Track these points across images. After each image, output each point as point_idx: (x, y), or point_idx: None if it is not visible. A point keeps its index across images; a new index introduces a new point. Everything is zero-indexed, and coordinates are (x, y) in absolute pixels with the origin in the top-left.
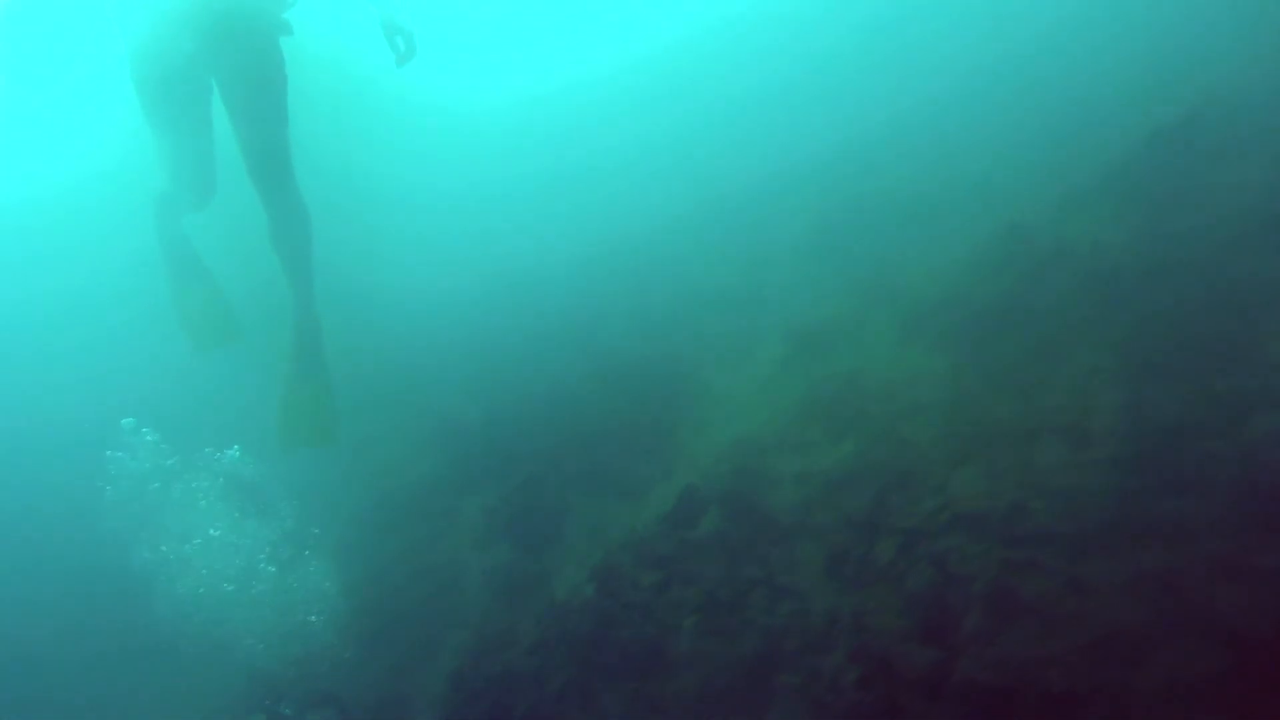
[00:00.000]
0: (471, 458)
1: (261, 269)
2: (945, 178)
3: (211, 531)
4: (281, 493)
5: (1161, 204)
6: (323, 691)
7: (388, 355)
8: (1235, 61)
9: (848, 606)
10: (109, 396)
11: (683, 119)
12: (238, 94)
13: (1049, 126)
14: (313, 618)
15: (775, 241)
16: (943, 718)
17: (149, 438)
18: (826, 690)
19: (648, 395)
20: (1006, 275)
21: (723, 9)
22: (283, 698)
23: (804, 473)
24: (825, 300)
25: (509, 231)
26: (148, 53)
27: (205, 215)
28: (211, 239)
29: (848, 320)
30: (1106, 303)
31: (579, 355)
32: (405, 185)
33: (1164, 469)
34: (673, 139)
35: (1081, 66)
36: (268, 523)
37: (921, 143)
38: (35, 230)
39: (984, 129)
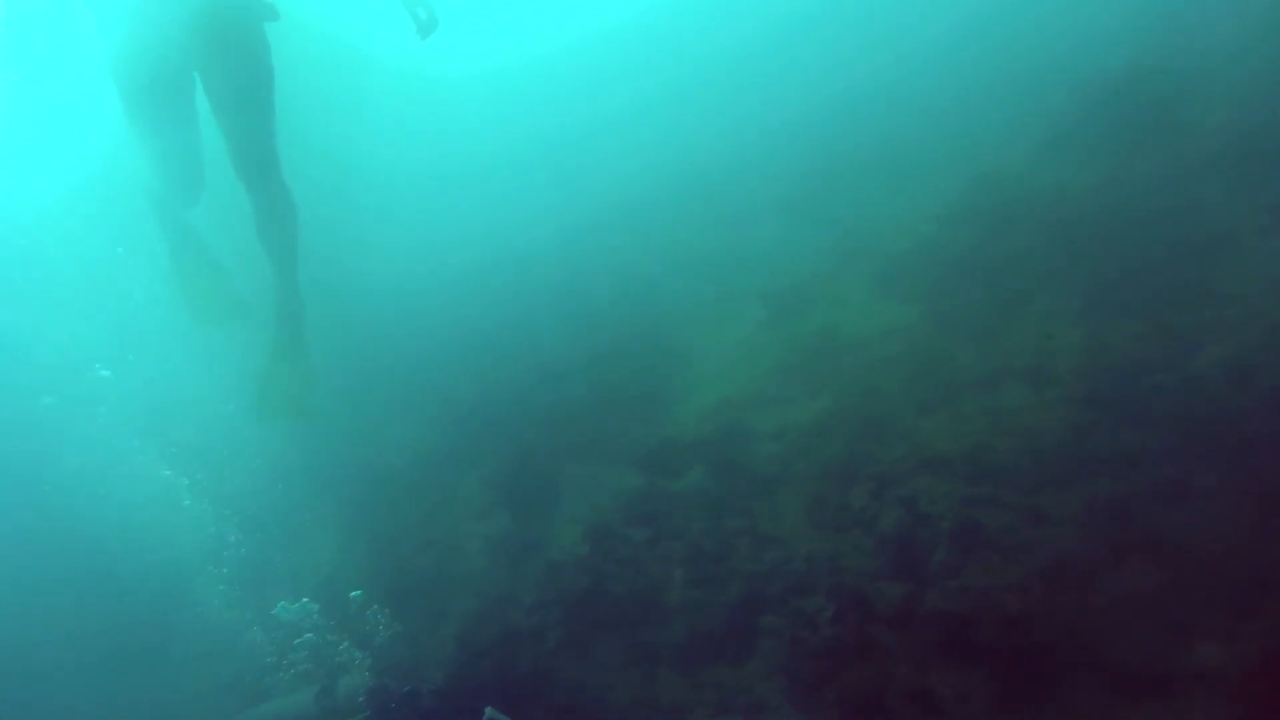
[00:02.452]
0: (469, 433)
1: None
2: (919, 132)
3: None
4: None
5: (1123, 149)
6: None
7: (384, 339)
8: (1188, 11)
9: (826, 550)
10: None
11: (661, 85)
12: (222, 85)
13: (1017, 78)
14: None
15: (756, 203)
16: (912, 646)
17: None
18: (804, 628)
19: (634, 362)
20: (975, 226)
21: None
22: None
23: (783, 427)
24: (803, 260)
25: (492, 207)
26: (127, 48)
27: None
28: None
29: (825, 278)
30: (1070, 247)
31: (567, 326)
32: (385, 162)
33: (1118, 403)
34: (652, 105)
35: (1044, 19)
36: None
37: (897, 99)
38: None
39: (955, 84)
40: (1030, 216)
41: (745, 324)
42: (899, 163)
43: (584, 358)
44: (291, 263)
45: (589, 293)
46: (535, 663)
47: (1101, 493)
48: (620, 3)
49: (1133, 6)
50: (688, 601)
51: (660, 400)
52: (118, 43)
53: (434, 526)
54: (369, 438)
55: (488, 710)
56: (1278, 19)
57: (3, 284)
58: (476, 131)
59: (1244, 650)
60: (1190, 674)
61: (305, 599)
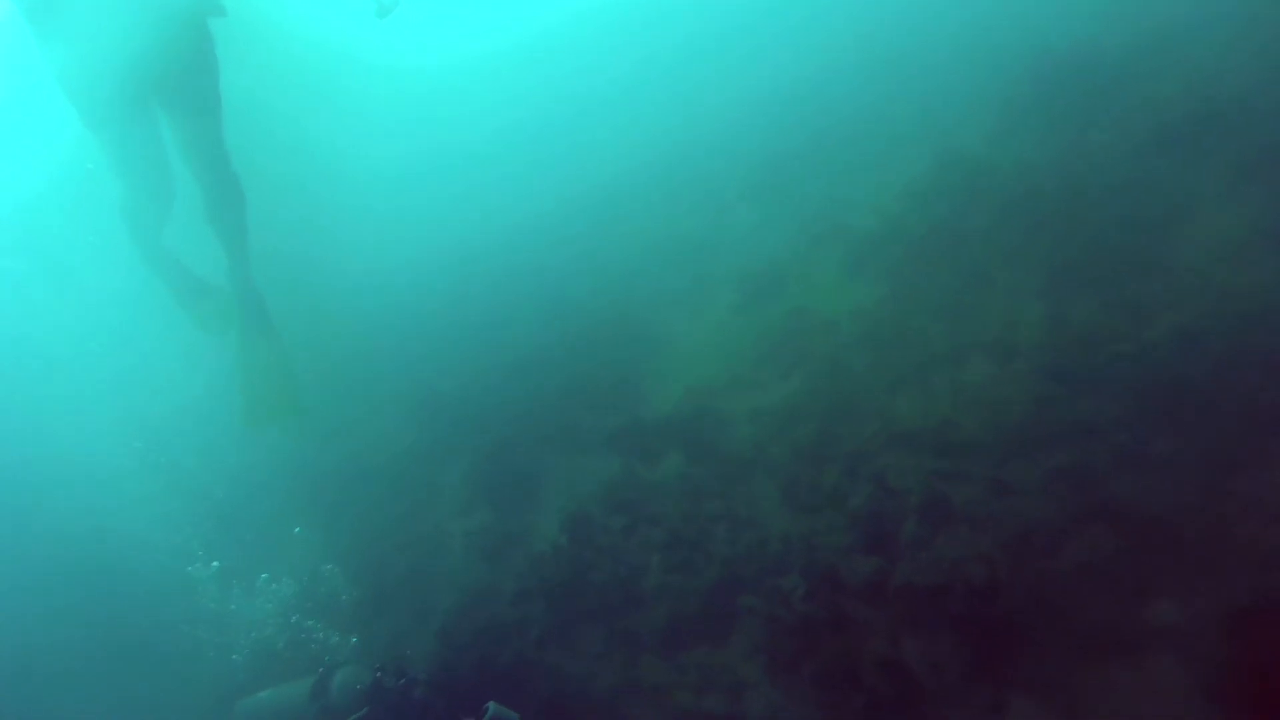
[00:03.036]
0: (448, 428)
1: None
2: (884, 111)
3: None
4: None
5: (1078, 124)
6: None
7: (359, 335)
8: None
9: (801, 530)
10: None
11: (629, 72)
12: (169, 81)
13: (976, 53)
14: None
15: (728, 186)
16: (885, 618)
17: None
18: (780, 607)
19: (609, 350)
20: (940, 203)
21: None
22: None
23: (756, 410)
24: (775, 243)
25: (465, 200)
26: (75, 56)
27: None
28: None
29: (796, 260)
30: (1031, 223)
31: (543, 316)
32: (353, 156)
33: (1077, 374)
34: (622, 93)
35: None
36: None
37: (861, 78)
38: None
39: (917, 61)
40: (992, 193)
41: (718, 308)
42: (865, 143)
43: (560, 347)
44: (242, 247)
45: (564, 282)
46: (519, 653)
47: (1062, 462)
48: None
49: None
50: (667, 586)
51: (636, 387)
52: (65, 48)
53: (415, 523)
54: (347, 434)
55: (490, 705)
56: None
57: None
58: (447, 124)
59: (1197, 607)
60: (1148, 632)
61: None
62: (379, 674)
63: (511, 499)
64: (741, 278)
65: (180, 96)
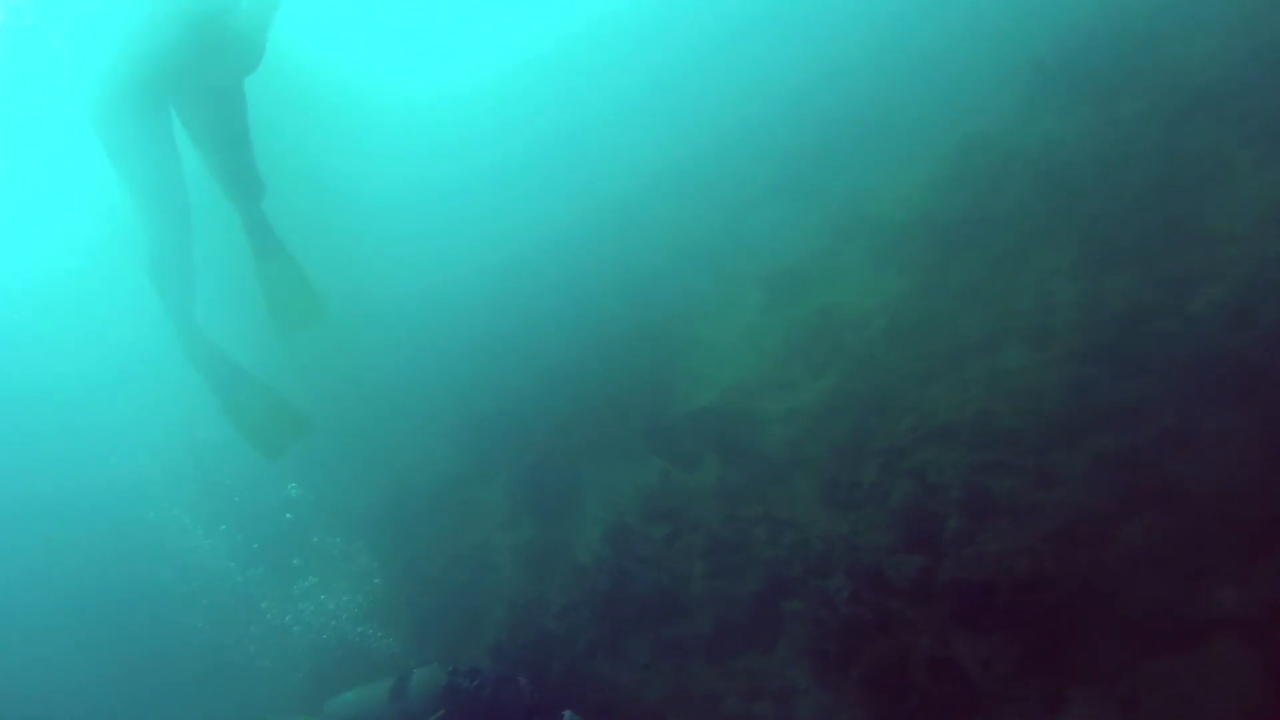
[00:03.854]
0: (488, 444)
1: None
2: (905, 98)
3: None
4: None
5: (1106, 93)
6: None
7: (395, 362)
8: None
9: (842, 529)
10: None
11: (645, 77)
12: (199, 117)
13: (996, 30)
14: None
15: (752, 184)
16: (932, 617)
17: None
18: (825, 609)
19: (641, 356)
20: (967, 188)
21: None
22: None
23: (791, 410)
24: (801, 239)
25: (488, 218)
26: (105, 91)
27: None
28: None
29: (822, 256)
30: (1062, 200)
31: (574, 327)
32: (380, 184)
33: (1118, 354)
34: (639, 98)
35: None
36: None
37: (880, 67)
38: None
39: (936, 44)
40: (1020, 172)
41: (747, 308)
42: (887, 132)
43: (593, 357)
44: (255, 190)
45: (593, 291)
46: (569, 665)
47: (1107, 446)
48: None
49: None
50: (711, 593)
51: (669, 393)
52: (94, 83)
53: (460, 540)
54: (391, 458)
55: (566, 714)
56: None
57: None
58: (465, 146)
59: (1260, 591)
60: (1209, 620)
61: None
62: (454, 675)
63: (553, 511)
64: (768, 276)
65: (210, 128)
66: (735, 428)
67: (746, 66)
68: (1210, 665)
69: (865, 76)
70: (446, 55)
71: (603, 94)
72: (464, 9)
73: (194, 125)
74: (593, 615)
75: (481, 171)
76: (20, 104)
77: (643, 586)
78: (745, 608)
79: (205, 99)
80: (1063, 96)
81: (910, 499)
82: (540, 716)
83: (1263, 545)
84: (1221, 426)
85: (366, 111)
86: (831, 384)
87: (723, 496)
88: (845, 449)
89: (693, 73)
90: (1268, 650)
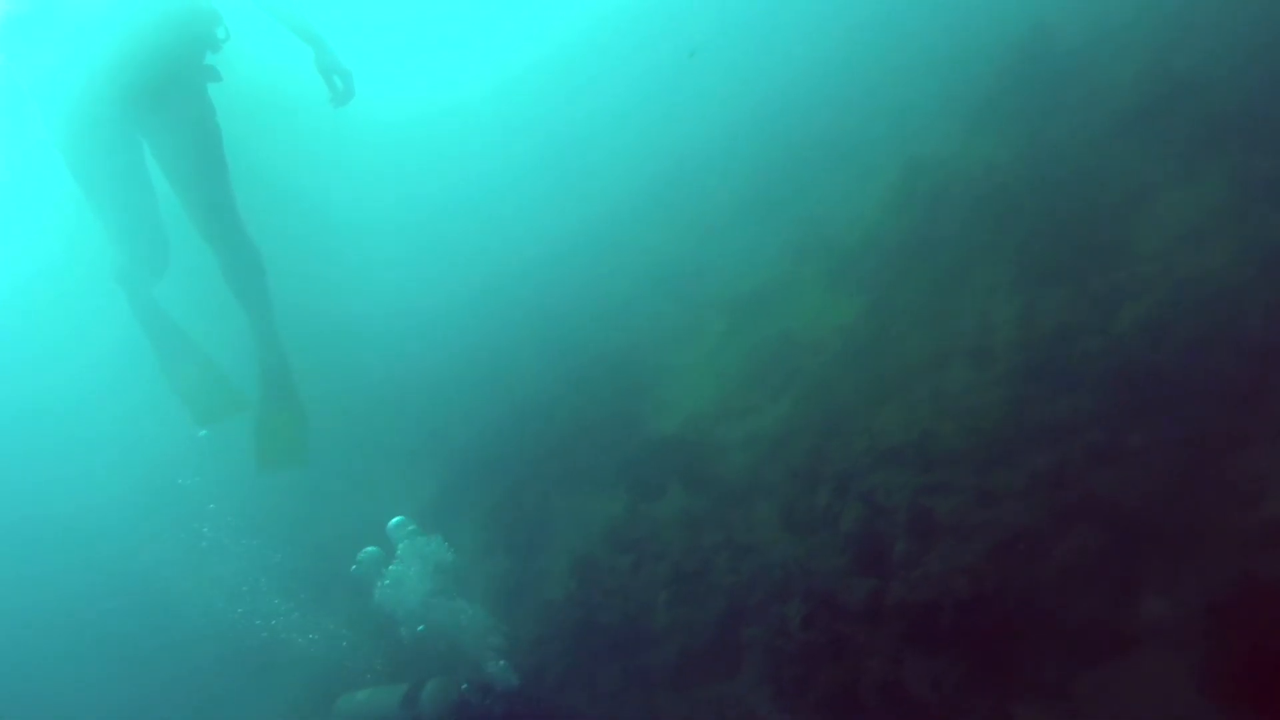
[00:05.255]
0: (462, 478)
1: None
2: (862, 121)
3: None
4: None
5: (1038, 117)
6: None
7: (366, 393)
8: None
9: (798, 554)
10: None
11: (608, 103)
12: (170, 152)
13: (939, 55)
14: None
15: (716, 210)
16: (882, 639)
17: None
18: (778, 635)
19: (610, 386)
20: (911, 211)
21: None
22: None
23: (750, 435)
24: (760, 263)
25: (457, 247)
26: (72, 122)
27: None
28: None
29: (781, 280)
30: (1000, 221)
31: (545, 357)
32: (350, 209)
33: (1050, 372)
34: (606, 125)
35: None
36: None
37: (837, 90)
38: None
39: (886, 68)
40: (961, 195)
41: (710, 335)
42: (843, 156)
43: (564, 386)
44: (266, 311)
45: (565, 319)
46: (537, 697)
47: (1041, 464)
48: (559, 28)
49: None
50: (675, 622)
51: (636, 423)
52: (61, 114)
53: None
54: (365, 492)
55: None
56: None
57: None
58: (434, 174)
59: (1185, 598)
60: (1140, 628)
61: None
62: (466, 691)
63: (526, 544)
64: (729, 303)
65: (182, 161)
66: (697, 455)
67: (713, 91)
68: (1143, 673)
69: (824, 101)
70: (416, 78)
71: (566, 123)
72: (432, 36)
73: (167, 162)
74: (562, 648)
75: (451, 201)
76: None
77: (608, 618)
78: (708, 635)
79: (176, 130)
80: (1001, 121)
81: (860, 522)
82: None
83: (1184, 555)
84: (1144, 441)
85: (336, 133)
86: (788, 408)
87: (686, 524)
88: (802, 473)
89: (660, 99)
90: (1194, 654)
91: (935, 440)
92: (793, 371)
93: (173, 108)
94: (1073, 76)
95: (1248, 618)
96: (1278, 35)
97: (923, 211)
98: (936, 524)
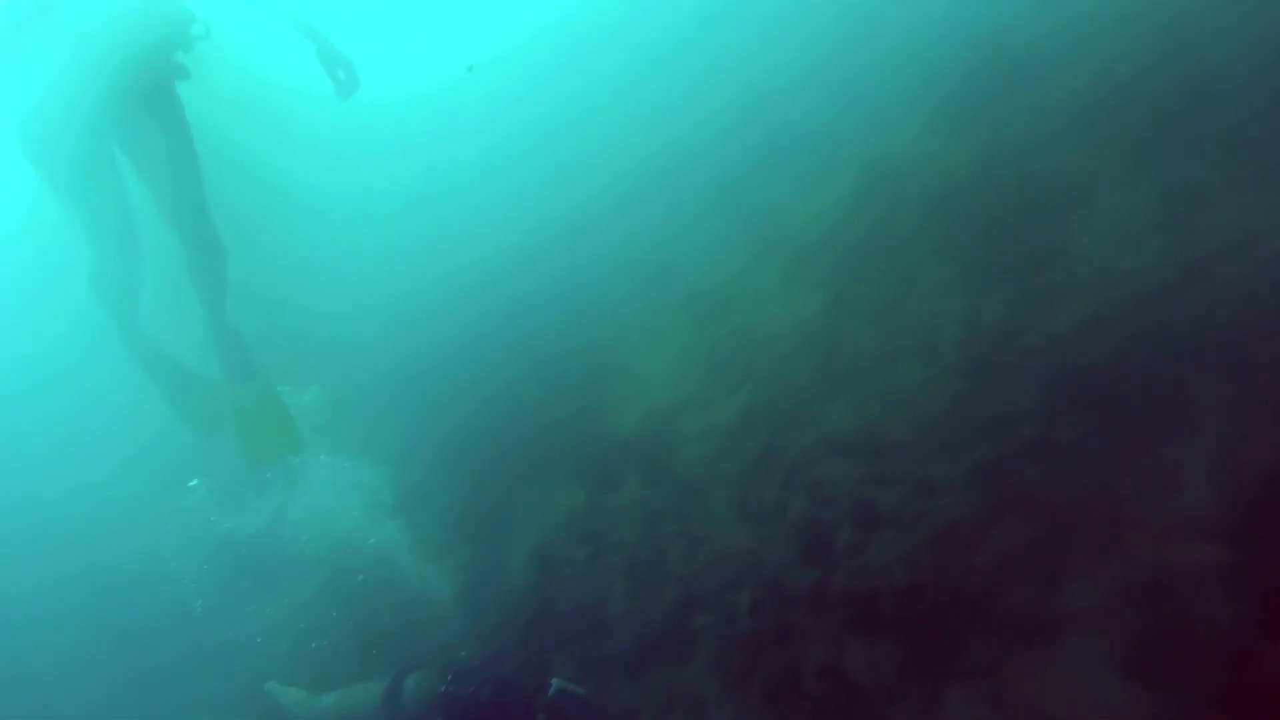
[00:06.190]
0: (429, 470)
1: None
2: (828, 120)
3: None
4: None
5: (995, 119)
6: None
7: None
8: None
9: (750, 544)
10: None
11: (581, 95)
12: (140, 149)
13: (905, 54)
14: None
15: (686, 205)
16: (825, 626)
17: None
18: (726, 623)
19: (575, 380)
20: (871, 208)
21: None
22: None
23: (708, 428)
24: (725, 259)
25: (430, 237)
26: (37, 122)
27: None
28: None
29: (744, 276)
30: (953, 221)
31: (515, 349)
32: (322, 198)
33: (991, 368)
34: (579, 118)
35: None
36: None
37: (812, 88)
38: None
39: (852, 68)
40: (918, 194)
41: (673, 330)
42: (809, 153)
43: (529, 380)
44: (220, 298)
45: (534, 313)
46: (495, 684)
47: (979, 458)
48: (528, 19)
49: None
50: (630, 611)
51: (600, 416)
52: (26, 113)
53: (397, 573)
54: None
55: (555, 681)
56: None
57: None
58: (404, 162)
59: (1104, 587)
60: (1064, 615)
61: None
62: (450, 684)
63: (490, 536)
64: (693, 298)
65: (152, 160)
66: (657, 448)
67: (687, 85)
68: (1066, 657)
69: (793, 99)
70: (389, 64)
71: (540, 116)
72: (402, 25)
73: (141, 168)
74: (520, 637)
75: (421, 190)
76: None
77: (565, 607)
78: (661, 624)
79: (145, 127)
80: (958, 123)
81: (807, 513)
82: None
83: (1107, 544)
84: (1072, 437)
85: (311, 119)
86: (744, 401)
87: (643, 516)
88: (755, 465)
89: (632, 93)
90: (1112, 639)
91: (881, 434)
92: (751, 366)
93: (142, 106)
94: (1029, 80)
95: (1162, 603)
96: (1214, 50)
97: (880, 211)
98: (879, 515)
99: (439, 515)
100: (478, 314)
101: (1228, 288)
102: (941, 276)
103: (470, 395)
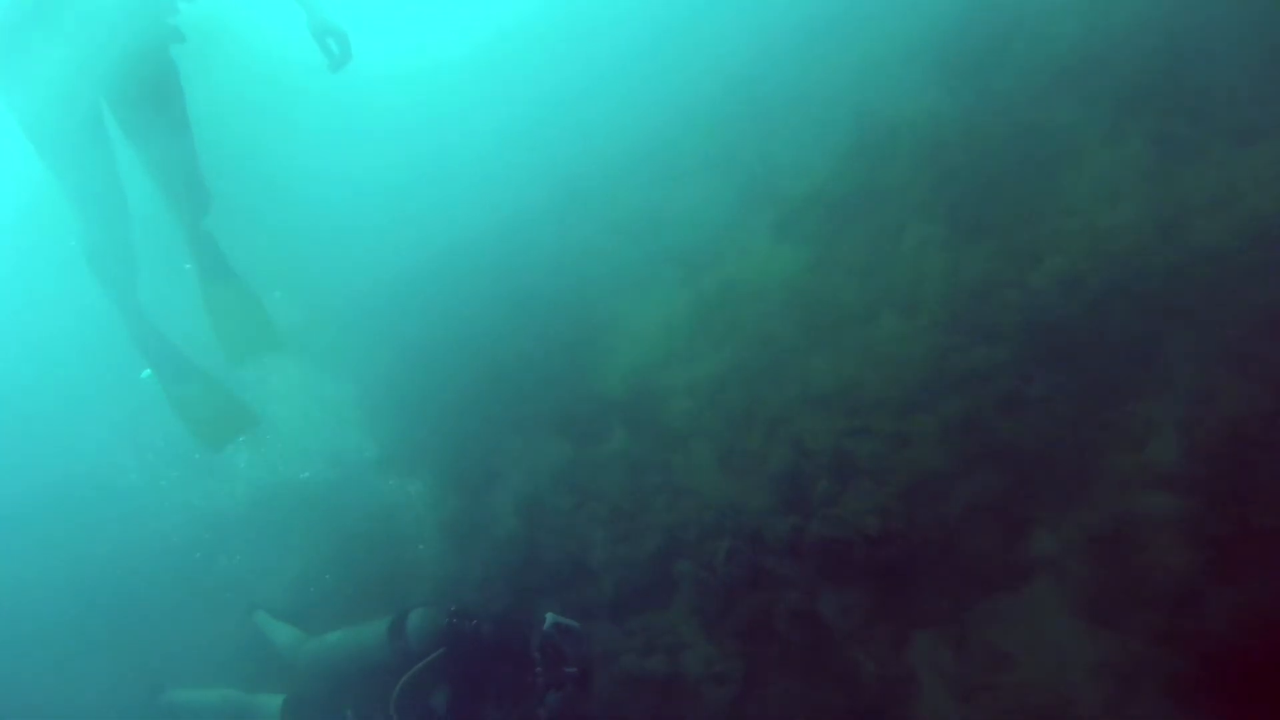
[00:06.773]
0: (421, 430)
1: None
2: (825, 75)
3: None
4: None
5: (984, 70)
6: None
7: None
8: None
9: (730, 495)
10: None
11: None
12: (132, 113)
13: (899, 8)
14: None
15: (674, 161)
16: (801, 572)
17: None
18: (704, 569)
19: (568, 334)
20: (859, 162)
21: None
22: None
23: (693, 381)
24: (713, 215)
25: (420, 194)
26: (32, 89)
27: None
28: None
29: (731, 231)
30: (940, 175)
31: (507, 305)
32: (315, 170)
33: (971, 323)
34: (570, 73)
35: None
36: None
37: (812, 43)
38: None
39: (845, 17)
40: (908, 147)
41: (663, 284)
42: (804, 108)
43: (520, 336)
44: (197, 213)
45: (527, 270)
46: (480, 629)
47: (954, 410)
48: None
49: None
50: (613, 558)
51: (589, 370)
52: (21, 86)
53: (388, 526)
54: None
55: (549, 615)
56: None
57: None
58: (404, 133)
59: (1069, 536)
60: (1029, 562)
61: None
62: (453, 618)
63: (478, 487)
64: (682, 251)
65: (144, 124)
66: (642, 401)
67: (678, 41)
68: (1029, 602)
69: (785, 54)
70: (388, 37)
71: (545, 82)
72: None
73: (132, 130)
74: (507, 584)
75: (422, 158)
76: None
77: (550, 555)
78: (643, 570)
79: (141, 103)
80: (947, 74)
81: (788, 464)
82: (546, 651)
83: (1073, 495)
84: (1045, 389)
85: (302, 95)
86: (729, 355)
87: (628, 467)
88: (738, 418)
89: (624, 49)
90: (1075, 585)
91: (860, 388)
92: (736, 321)
93: (135, 72)
94: (1021, 29)
95: (1123, 550)
96: (1201, 7)
97: (869, 165)
98: (856, 466)
99: (430, 466)
100: (469, 270)
101: (1203, 245)
102: (926, 231)
103: (460, 350)
